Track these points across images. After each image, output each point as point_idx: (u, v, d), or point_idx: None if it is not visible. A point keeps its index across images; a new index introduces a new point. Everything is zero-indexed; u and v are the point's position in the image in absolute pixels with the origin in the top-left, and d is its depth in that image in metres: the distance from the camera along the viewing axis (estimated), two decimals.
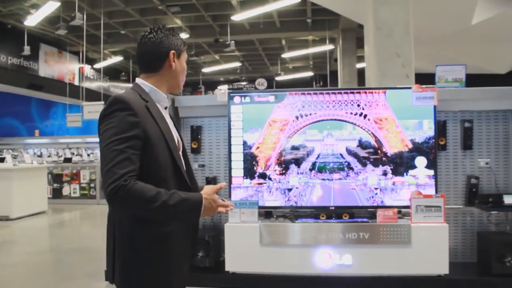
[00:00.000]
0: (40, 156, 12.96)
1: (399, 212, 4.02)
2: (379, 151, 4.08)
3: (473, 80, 4.40)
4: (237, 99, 4.24)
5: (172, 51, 1.79)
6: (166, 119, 1.80)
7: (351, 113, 4.10)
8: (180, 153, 1.82)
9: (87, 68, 16.77)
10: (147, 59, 1.80)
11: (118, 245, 1.68)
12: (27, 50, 12.85)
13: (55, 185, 11.02)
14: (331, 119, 4.12)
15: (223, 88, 4.40)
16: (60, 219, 9.25)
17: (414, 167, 4.04)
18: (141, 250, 1.66)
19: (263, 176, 4.17)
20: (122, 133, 1.58)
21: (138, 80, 1.82)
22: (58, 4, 9.64)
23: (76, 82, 16.12)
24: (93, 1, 11.67)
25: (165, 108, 1.86)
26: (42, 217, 8.89)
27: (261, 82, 4.72)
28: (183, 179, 1.74)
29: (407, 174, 4.05)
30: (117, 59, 16.41)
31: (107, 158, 1.55)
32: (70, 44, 15.20)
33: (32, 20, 11.04)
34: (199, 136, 4.67)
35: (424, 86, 4.07)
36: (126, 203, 1.55)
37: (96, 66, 16.68)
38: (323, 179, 4.13)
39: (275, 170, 4.16)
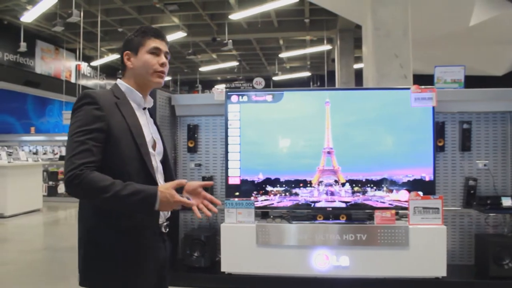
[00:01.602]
0: (36, 153, 12.89)
1: (397, 213, 4.00)
2: None
3: (470, 81, 4.39)
4: (234, 98, 4.21)
5: (126, 52, 1.85)
6: (140, 118, 1.83)
7: None
8: (154, 152, 1.85)
9: (83, 66, 16.66)
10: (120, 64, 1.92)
11: (80, 236, 1.73)
12: (23, 46, 12.76)
13: (51, 183, 10.97)
14: None
15: (220, 87, 4.37)
16: (55, 217, 9.19)
17: None
18: (101, 242, 1.69)
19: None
20: (86, 126, 1.65)
21: (117, 81, 1.89)
22: (55, 0, 9.56)
23: (73, 80, 16.03)
24: None
25: (144, 109, 1.90)
26: (37, 215, 8.84)
27: (259, 81, 4.69)
28: (150, 176, 1.74)
29: None
30: (114, 56, 16.31)
31: (70, 149, 1.63)
32: (66, 41, 15.10)
33: (29, 16, 10.94)
34: (196, 135, 4.63)
35: (423, 87, 4.05)
36: (80, 192, 1.60)
37: (93, 63, 16.58)
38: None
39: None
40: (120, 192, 1.57)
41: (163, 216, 1.83)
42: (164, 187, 1.64)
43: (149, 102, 1.92)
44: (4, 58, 12.89)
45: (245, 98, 4.21)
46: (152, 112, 2.05)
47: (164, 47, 1.87)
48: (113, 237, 1.69)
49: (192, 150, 4.62)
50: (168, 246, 1.90)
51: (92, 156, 1.61)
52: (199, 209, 1.72)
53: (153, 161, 1.82)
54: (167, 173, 1.93)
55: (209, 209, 1.75)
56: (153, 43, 1.84)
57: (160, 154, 1.91)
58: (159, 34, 1.87)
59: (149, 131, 1.86)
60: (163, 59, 1.85)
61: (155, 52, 1.84)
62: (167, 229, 1.86)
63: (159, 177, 1.85)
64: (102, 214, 1.70)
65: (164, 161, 1.94)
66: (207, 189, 1.91)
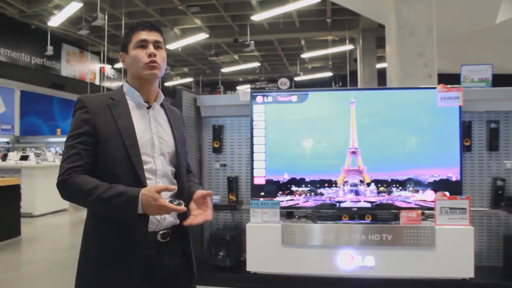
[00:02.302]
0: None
1: (423, 214, 3.97)
2: None
3: (497, 80, 4.32)
4: (259, 98, 4.24)
5: (120, 54, 1.87)
6: (139, 118, 1.77)
7: None
8: (152, 153, 1.76)
9: (107, 68, 16.95)
10: None
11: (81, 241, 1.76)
12: (50, 50, 13.05)
13: None
14: None
15: (244, 88, 4.41)
16: (81, 217, 9.36)
17: None
18: (87, 246, 1.73)
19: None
20: (75, 130, 1.69)
21: (123, 82, 1.89)
22: (80, 4, 9.75)
23: (97, 82, 16.32)
24: (114, 1, 11.78)
25: (149, 107, 1.82)
26: (64, 215, 9.02)
27: (284, 82, 4.69)
28: (138, 178, 1.67)
29: None
30: None
31: (63, 154, 1.70)
32: (91, 44, 15.39)
33: (55, 20, 11.20)
34: (221, 136, 4.67)
35: (449, 86, 4.01)
36: (68, 196, 1.65)
37: (117, 66, 16.86)
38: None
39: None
40: (102, 195, 1.57)
41: (155, 222, 1.71)
42: (147, 189, 1.58)
43: (159, 100, 1.86)
44: (31, 61, 13.22)
45: (270, 99, 4.23)
46: (171, 111, 1.98)
47: (152, 37, 1.78)
48: (97, 242, 1.69)
49: (217, 150, 4.67)
50: (175, 257, 1.80)
51: (80, 160, 1.64)
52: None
53: (153, 164, 1.75)
54: (179, 178, 1.83)
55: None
56: (138, 36, 1.77)
57: (166, 156, 1.81)
58: (145, 25, 1.79)
59: (150, 131, 1.78)
60: (150, 49, 1.76)
61: (142, 45, 1.77)
62: (167, 238, 1.74)
63: (161, 180, 1.76)
64: (94, 217, 1.73)
65: (177, 165, 1.84)
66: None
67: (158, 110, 1.86)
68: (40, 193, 8.57)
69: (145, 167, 1.71)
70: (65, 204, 9.36)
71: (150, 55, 1.75)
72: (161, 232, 1.73)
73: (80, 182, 1.60)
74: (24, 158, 9.22)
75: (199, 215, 1.72)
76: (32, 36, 13.19)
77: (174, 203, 1.58)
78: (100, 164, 1.68)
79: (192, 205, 1.77)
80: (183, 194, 1.79)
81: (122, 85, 1.86)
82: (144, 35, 1.77)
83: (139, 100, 1.80)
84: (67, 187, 1.61)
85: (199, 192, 1.78)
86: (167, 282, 1.76)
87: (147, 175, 1.71)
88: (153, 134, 1.78)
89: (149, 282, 1.70)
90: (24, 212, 8.35)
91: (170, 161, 1.82)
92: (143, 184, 1.67)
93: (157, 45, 1.79)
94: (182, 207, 1.59)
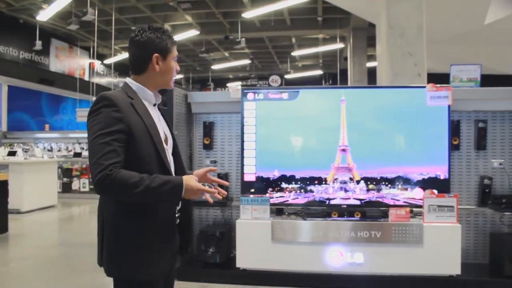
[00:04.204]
0: (50, 150, 13.04)
1: (411, 211, 4.01)
2: None
3: (484, 80, 4.37)
4: (250, 95, 4.24)
5: (156, 55, 1.86)
6: (153, 115, 1.88)
7: None
8: (167, 147, 1.91)
9: (97, 64, 16.82)
10: (133, 61, 1.91)
11: (106, 231, 1.80)
12: (38, 45, 12.93)
13: (65, 179, 11.09)
14: None
15: (234, 85, 4.42)
16: (70, 213, 9.30)
17: None
18: (125, 234, 1.77)
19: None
20: (107, 128, 1.69)
21: (127, 80, 1.92)
22: None
23: (86, 78, 16.19)
24: None
25: (154, 105, 1.95)
26: (52, 211, 8.95)
27: (275, 79, 4.72)
28: (167, 171, 1.83)
29: None
30: (128, 55, 16.46)
31: (94, 151, 1.68)
32: (80, 40, 15.26)
33: (44, 15, 11.08)
34: (211, 132, 4.67)
35: (438, 85, 4.05)
36: (113, 191, 1.68)
37: (106, 61, 16.73)
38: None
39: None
40: (149, 185, 1.66)
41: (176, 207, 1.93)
42: (186, 177, 1.75)
43: (159, 98, 1.98)
44: (19, 56, 13.07)
45: (260, 96, 4.24)
46: (169, 109, 2.13)
47: None
48: (136, 229, 1.77)
49: (208, 147, 4.67)
50: (177, 238, 1.98)
51: (118, 156, 1.68)
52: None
53: (168, 156, 1.90)
54: (177, 165, 2.00)
55: (219, 193, 1.87)
56: (175, 51, 1.93)
57: (171, 148, 1.98)
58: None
59: (161, 126, 1.91)
60: (178, 67, 1.96)
61: (175, 60, 1.93)
62: (178, 221, 1.95)
63: (173, 170, 1.92)
64: (124, 208, 1.78)
65: (174, 153, 2.00)
66: (222, 185, 2.01)
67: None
68: (28, 189, 8.49)
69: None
70: (53, 200, 9.30)
71: (176, 71, 1.95)
72: (177, 215, 1.94)
73: (125, 176, 1.65)
74: (12, 153, 9.12)
75: (217, 190, 1.88)
76: (20, 30, 13.03)
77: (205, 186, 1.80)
78: (132, 161, 1.73)
79: None
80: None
81: (126, 83, 1.91)
82: (176, 51, 1.94)
83: (151, 99, 1.91)
84: (112, 183, 1.64)
85: (200, 172, 1.98)
86: (175, 260, 2.01)
87: None
88: (163, 128, 1.93)
89: (170, 260, 1.92)
90: (12, 208, 8.26)
91: (171, 153, 1.98)
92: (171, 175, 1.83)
93: None
94: (214, 189, 1.83)
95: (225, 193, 1.92)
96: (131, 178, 1.65)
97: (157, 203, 1.80)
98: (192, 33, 13.34)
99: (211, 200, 1.82)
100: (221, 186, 2.11)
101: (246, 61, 19.00)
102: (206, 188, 1.78)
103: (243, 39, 12.99)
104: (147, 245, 1.79)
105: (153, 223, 1.80)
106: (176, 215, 1.93)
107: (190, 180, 1.74)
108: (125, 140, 1.72)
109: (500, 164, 4.29)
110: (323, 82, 20.38)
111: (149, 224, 1.79)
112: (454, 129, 4.27)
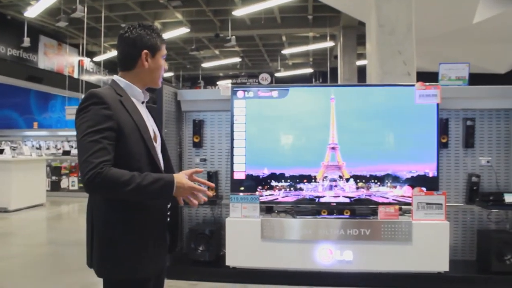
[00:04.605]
0: (39, 148, 12.93)
1: (400, 209, 4.04)
2: None
3: (472, 79, 4.41)
4: (240, 93, 4.24)
5: (145, 51, 1.85)
6: (142, 112, 1.88)
7: None
8: (156, 144, 1.92)
9: (86, 61, 16.70)
10: (121, 57, 1.90)
11: (96, 231, 1.78)
12: (26, 41, 12.79)
13: (54, 177, 11.00)
14: None
15: (225, 83, 4.41)
16: (58, 212, 9.24)
17: None
18: (116, 233, 1.76)
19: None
20: (97, 125, 1.67)
21: (115, 77, 1.90)
22: None
23: (76, 75, 16.06)
24: None
25: (142, 102, 1.95)
26: (40, 210, 8.87)
27: (265, 77, 4.72)
28: (158, 169, 1.82)
29: None
30: (117, 52, 16.36)
31: (84, 149, 1.65)
32: (70, 37, 15.12)
33: (33, 11, 10.97)
34: (201, 130, 4.66)
35: (427, 83, 4.07)
36: (103, 189, 1.65)
37: (96, 59, 16.60)
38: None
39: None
40: (141, 183, 1.65)
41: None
42: (177, 175, 1.76)
43: (147, 96, 1.98)
44: (7, 53, 12.92)
45: (250, 94, 4.24)
46: (158, 107, 2.14)
47: None
48: (127, 230, 1.75)
49: (198, 145, 4.66)
50: (167, 236, 1.98)
51: (108, 154, 1.66)
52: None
53: (158, 153, 1.90)
54: (166, 163, 2.00)
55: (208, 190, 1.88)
56: (164, 49, 1.93)
57: (160, 146, 1.98)
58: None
59: (150, 124, 1.91)
60: (166, 66, 1.97)
61: (164, 58, 1.94)
62: (168, 219, 1.95)
63: (162, 167, 1.93)
64: (116, 207, 1.76)
65: (163, 151, 2.00)
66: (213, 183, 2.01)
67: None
68: (16, 187, 8.41)
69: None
70: (42, 199, 9.22)
71: (164, 70, 1.95)
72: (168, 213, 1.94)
73: (116, 174, 1.64)
74: None
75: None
76: (8, 26, 12.88)
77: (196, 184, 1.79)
78: (122, 159, 1.72)
79: None
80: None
81: (114, 80, 1.89)
82: (164, 49, 1.94)
83: (139, 96, 1.91)
84: (102, 181, 1.61)
85: (186, 172, 1.89)
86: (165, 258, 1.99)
87: None
88: (151, 126, 1.92)
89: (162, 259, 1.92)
90: None
91: (159, 150, 1.97)
92: (161, 173, 1.83)
93: None
94: (204, 188, 1.82)
95: (211, 194, 1.92)
96: (122, 176, 1.64)
97: (148, 201, 1.79)
98: (182, 30, 13.30)
99: (195, 204, 1.79)
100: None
101: (237, 59, 18.97)
102: (197, 186, 1.78)
103: (234, 37, 12.98)
104: (138, 245, 1.77)
105: (145, 221, 1.79)
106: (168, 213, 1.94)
107: (181, 178, 1.74)
108: (115, 138, 1.71)
109: (488, 162, 4.34)
110: (313, 80, 20.43)
111: (140, 223, 1.77)
112: (443, 127, 4.30)
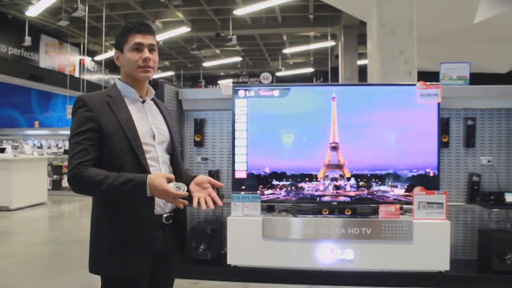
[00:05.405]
0: (40, 147, 12.95)
1: (401, 208, 4.04)
2: None
3: (473, 79, 4.42)
4: (241, 92, 4.24)
5: (115, 51, 1.97)
6: (136, 112, 1.92)
7: None
8: (154, 143, 1.93)
9: (87, 60, 16.72)
10: None
11: (90, 228, 1.90)
12: (28, 41, 12.81)
13: (55, 176, 11.04)
14: None
15: (226, 82, 4.42)
16: (59, 211, 9.26)
17: None
18: (102, 231, 1.83)
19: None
20: (80, 127, 1.80)
21: (116, 80, 2.01)
22: None
23: (77, 74, 16.08)
24: None
25: (143, 101, 1.98)
26: (42, 208, 8.90)
27: (266, 76, 4.71)
28: (142, 167, 1.83)
29: None
30: None
31: (69, 151, 1.80)
32: (71, 36, 15.14)
33: (34, 10, 11.00)
34: (202, 129, 4.67)
35: (428, 83, 4.08)
36: (80, 188, 1.78)
37: (97, 58, 16.63)
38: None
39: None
40: (113, 183, 1.71)
41: (162, 206, 1.90)
42: (154, 175, 1.75)
43: (150, 95, 2.02)
44: (8, 52, 12.94)
45: (252, 93, 4.24)
46: (161, 104, 2.16)
47: (147, 41, 1.91)
48: (111, 227, 1.81)
49: (199, 144, 4.66)
50: (172, 236, 1.97)
51: (88, 154, 1.76)
52: (201, 201, 1.87)
53: (154, 152, 1.91)
54: (175, 164, 2.03)
55: (213, 202, 1.91)
56: (135, 39, 1.89)
57: (163, 144, 1.99)
58: (141, 29, 1.91)
59: (148, 122, 1.94)
60: (145, 53, 1.89)
61: (138, 48, 1.89)
62: (170, 221, 1.93)
63: (162, 167, 1.93)
64: (102, 206, 1.84)
65: (172, 152, 2.04)
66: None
67: (150, 104, 2.04)
68: (17, 186, 8.44)
69: (147, 155, 1.87)
70: (43, 197, 9.25)
71: (145, 60, 1.89)
72: (165, 215, 1.91)
73: (91, 174, 1.73)
74: (1, 150, 9.05)
75: (212, 198, 1.91)
76: (9, 25, 12.90)
77: (175, 187, 1.72)
78: (105, 158, 1.81)
79: (193, 187, 1.94)
80: (180, 179, 1.91)
81: (115, 83, 1.98)
82: (139, 38, 1.89)
83: (134, 96, 1.95)
84: (79, 181, 1.73)
85: (205, 178, 1.97)
86: (164, 257, 1.96)
87: (150, 162, 1.87)
88: (151, 125, 1.95)
89: (152, 259, 1.87)
90: (1, 205, 8.23)
91: (166, 149, 2.01)
92: (147, 172, 1.82)
93: (151, 48, 1.92)
94: (183, 192, 1.71)
95: (220, 203, 1.96)
96: (97, 176, 1.72)
97: (127, 201, 1.81)
98: (183, 30, 13.31)
99: (180, 206, 1.76)
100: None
101: (237, 59, 18.98)
102: (172, 189, 1.70)
103: (234, 36, 12.99)
104: (121, 243, 1.79)
105: (128, 221, 1.81)
106: (166, 214, 1.92)
107: (155, 179, 1.71)
108: (97, 138, 1.79)
109: (489, 161, 4.34)
110: (314, 79, 20.43)
111: (123, 222, 1.81)
112: (444, 126, 4.30)
